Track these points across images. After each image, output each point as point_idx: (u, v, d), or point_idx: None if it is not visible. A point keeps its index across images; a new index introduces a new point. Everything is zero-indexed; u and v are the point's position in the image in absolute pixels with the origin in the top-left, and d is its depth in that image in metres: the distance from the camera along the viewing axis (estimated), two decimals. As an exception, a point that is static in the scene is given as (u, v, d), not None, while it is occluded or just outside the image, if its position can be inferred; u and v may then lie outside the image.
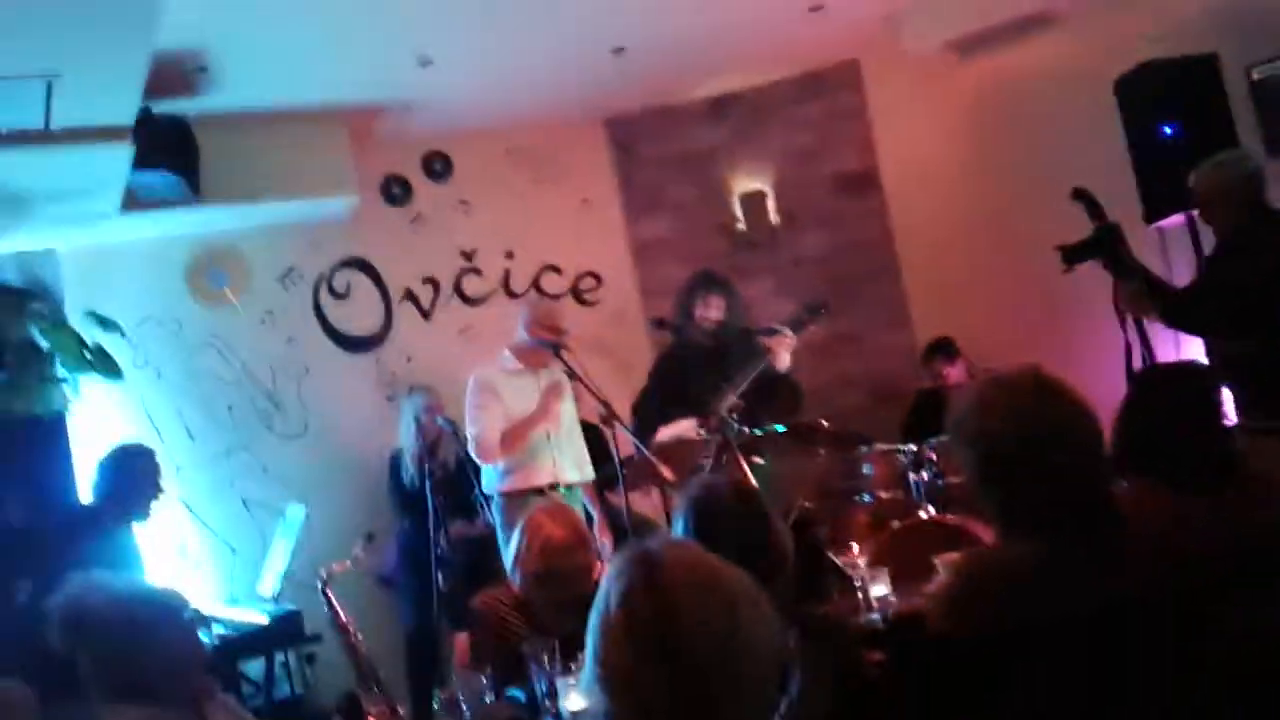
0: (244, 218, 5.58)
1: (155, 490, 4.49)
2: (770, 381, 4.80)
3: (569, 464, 4.73)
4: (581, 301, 6.42)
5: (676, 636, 1.26)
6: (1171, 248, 4.91)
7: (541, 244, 6.34)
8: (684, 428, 4.75)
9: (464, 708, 2.63)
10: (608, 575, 1.36)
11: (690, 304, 5.05)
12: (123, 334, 5.35)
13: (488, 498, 4.67)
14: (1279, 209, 3.89)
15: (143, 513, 4.46)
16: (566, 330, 4.76)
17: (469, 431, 4.65)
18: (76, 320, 5.27)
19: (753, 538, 2.18)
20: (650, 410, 4.94)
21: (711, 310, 4.98)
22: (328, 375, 5.88)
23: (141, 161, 4.57)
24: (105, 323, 5.32)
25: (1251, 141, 4.78)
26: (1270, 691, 1.79)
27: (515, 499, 4.56)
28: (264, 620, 4.54)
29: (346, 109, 5.48)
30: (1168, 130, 4.78)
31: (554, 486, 4.60)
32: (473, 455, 4.63)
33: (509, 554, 3.16)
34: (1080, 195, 3.98)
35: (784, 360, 4.82)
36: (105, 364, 5.18)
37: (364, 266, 6.04)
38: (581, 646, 2.77)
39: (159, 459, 4.55)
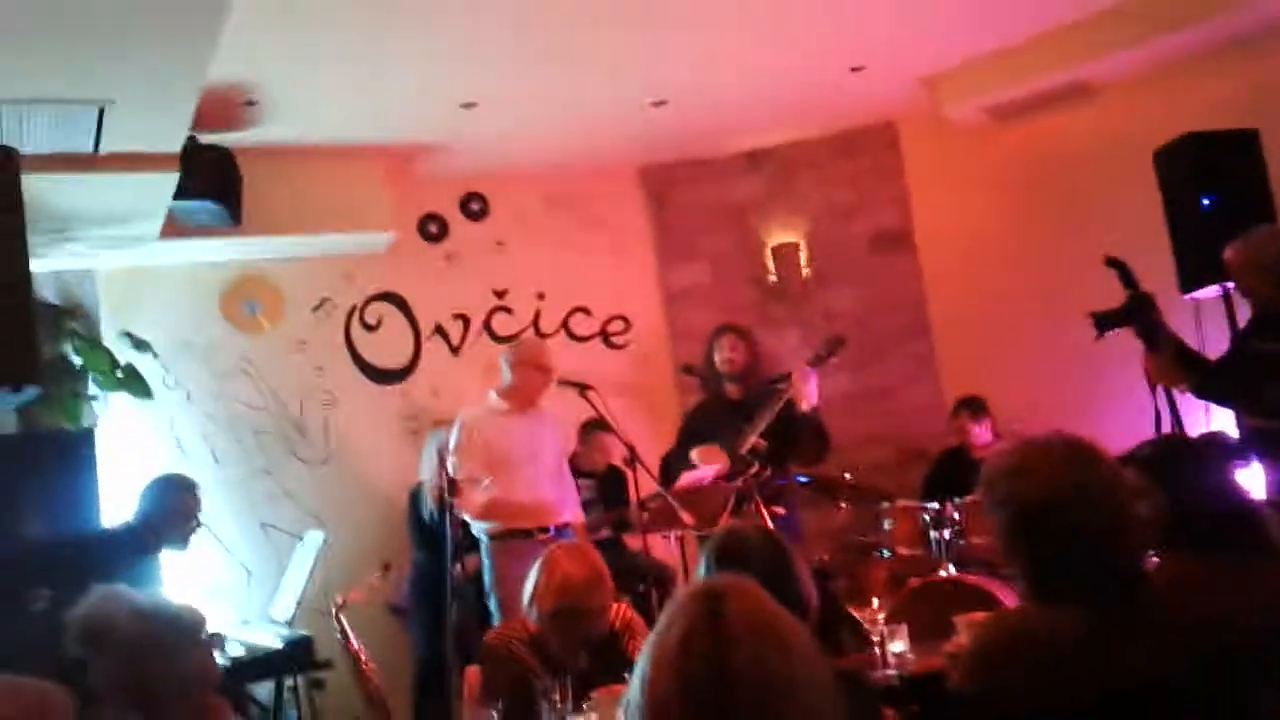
0: (281, 248, 5.67)
1: (196, 523, 4.49)
2: (794, 422, 4.77)
3: (559, 508, 4.75)
4: (610, 344, 6.44)
5: (731, 676, 1.24)
6: (1206, 319, 4.88)
7: (573, 286, 6.39)
8: (705, 473, 4.73)
9: (472, 741, 2.61)
10: (670, 605, 1.34)
11: (711, 352, 5.06)
12: (155, 355, 5.42)
13: (475, 540, 4.68)
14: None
15: (181, 543, 4.45)
16: (554, 369, 4.79)
17: (453, 475, 4.63)
18: (110, 340, 5.34)
19: (778, 584, 2.17)
20: (679, 460, 4.93)
21: (727, 352, 4.97)
22: (355, 405, 5.92)
23: (184, 189, 4.65)
24: (138, 343, 5.39)
25: (1289, 216, 4.77)
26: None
27: (501, 541, 4.58)
28: (276, 644, 4.53)
29: (388, 146, 5.57)
30: (1206, 202, 4.78)
31: (543, 529, 4.60)
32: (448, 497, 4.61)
33: (525, 591, 3.15)
34: (1113, 263, 3.97)
35: (806, 397, 4.76)
36: (136, 383, 5.25)
37: (396, 300, 6.10)
38: (593, 685, 2.79)
39: (200, 492, 4.56)
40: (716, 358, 5.01)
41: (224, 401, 5.69)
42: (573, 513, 4.80)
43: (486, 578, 4.67)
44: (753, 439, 4.69)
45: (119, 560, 4.07)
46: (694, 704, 1.24)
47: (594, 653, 3.03)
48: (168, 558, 4.50)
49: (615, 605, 3.15)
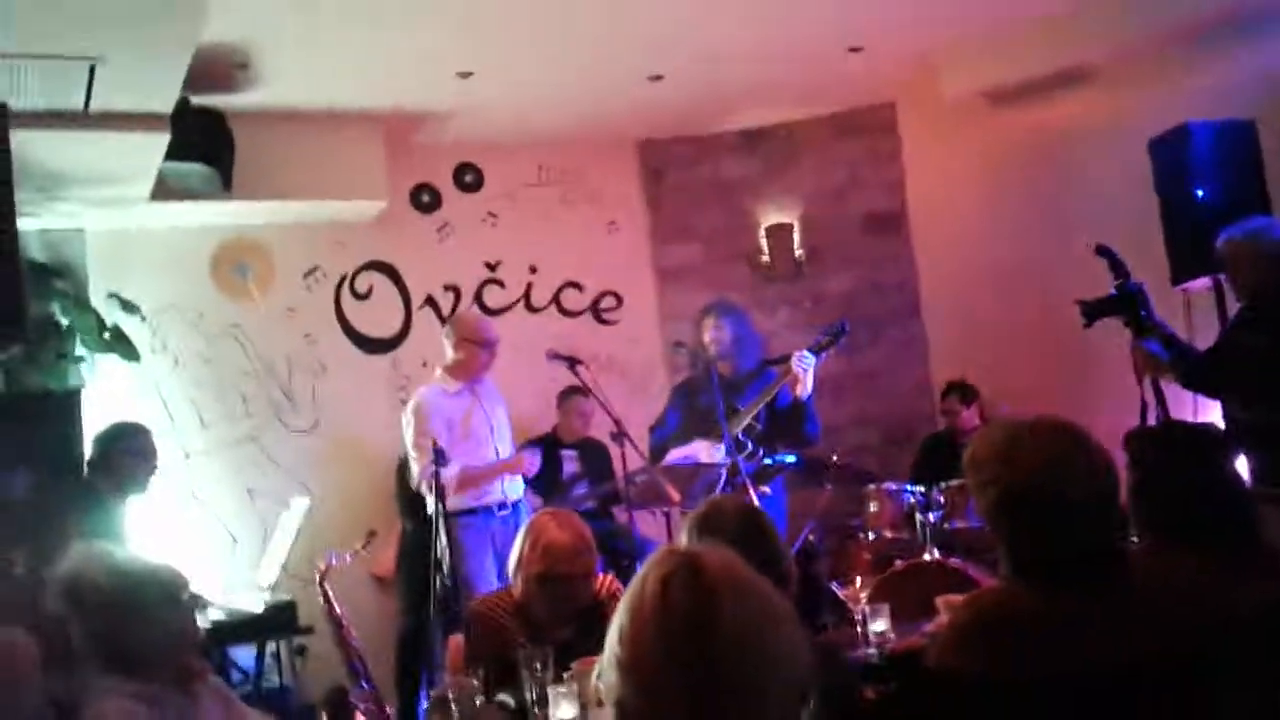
0: (273, 214, 5.63)
1: (150, 465, 4.52)
2: (788, 409, 4.78)
3: (517, 482, 4.82)
4: (601, 320, 6.43)
5: (711, 629, 1.23)
6: (1196, 310, 4.89)
7: (565, 261, 6.37)
8: (696, 448, 4.74)
9: (454, 708, 2.61)
10: (646, 563, 1.33)
11: (700, 330, 5.06)
12: (143, 318, 5.39)
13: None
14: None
15: (140, 486, 4.49)
16: (495, 340, 4.79)
17: (410, 453, 4.67)
18: (98, 301, 5.31)
19: (757, 556, 2.17)
20: (665, 434, 4.95)
21: (714, 333, 4.97)
22: (343, 374, 5.90)
23: (175, 151, 4.62)
24: (127, 305, 5.37)
25: (1283, 210, 4.77)
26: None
27: (466, 517, 4.61)
28: (259, 609, 4.54)
29: (383, 114, 5.53)
30: (1200, 193, 4.77)
31: (502, 506, 4.66)
32: (416, 480, 4.63)
33: (511, 558, 3.15)
34: (1103, 251, 3.97)
35: (804, 387, 4.79)
36: (123, 346, 5.23)
37: (388, 270, 6.08)
38: (575, 656, 2.79)
39: (153, 437, 4.58)
40: (704, 337, 5.01)
41: (212, 366, 5.67)
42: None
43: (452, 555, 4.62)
44: (746, 421, 4.70)
45: (81, 513, 4.10)
46: (673, 653, 1.23)
47: (579, 622, 3.03)
48: (143, 518, 4.52)
49: (602, 576, 3.15)
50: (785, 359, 4.89)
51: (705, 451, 4.74)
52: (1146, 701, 1.73)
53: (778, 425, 4.81)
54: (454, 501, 4.59)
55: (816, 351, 4.83)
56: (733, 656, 1.23)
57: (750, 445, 4.74)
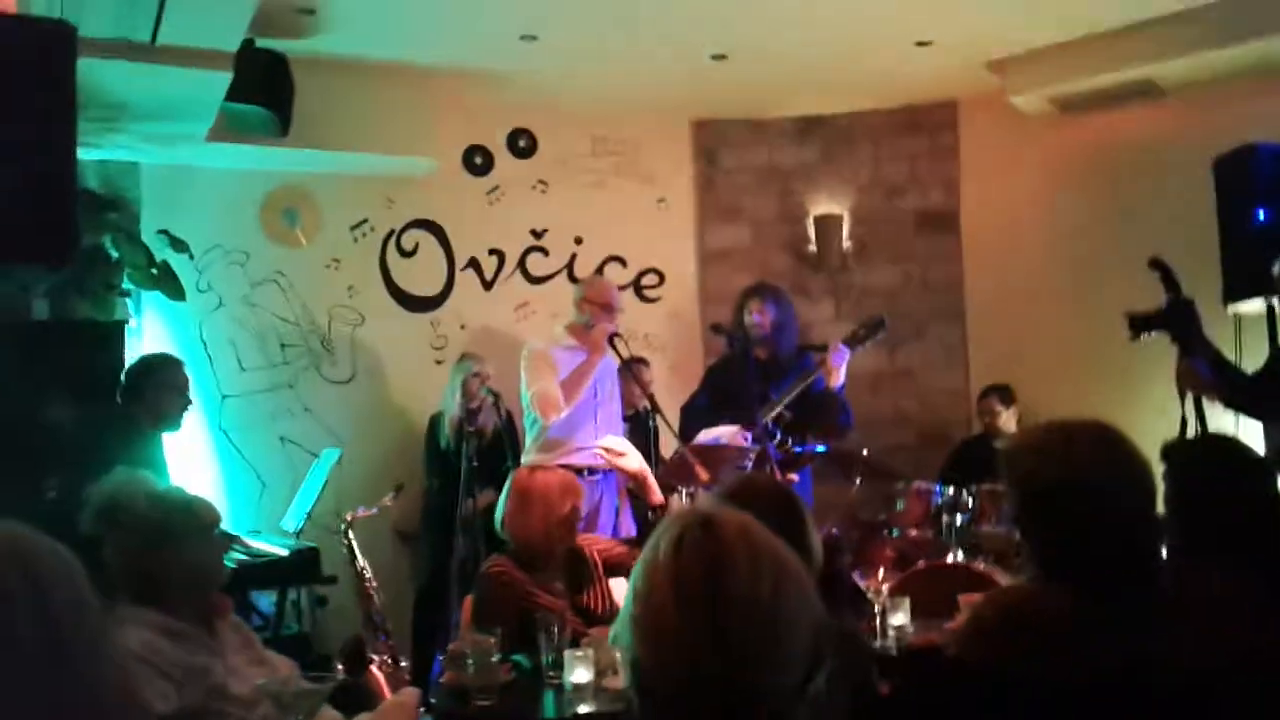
0: (326, 163, 5.65)
1: (184, 400, 4.53)
2: (820, 398, 4.76)
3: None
4: (642, 297, 6.42)
5: (725, 587, 1.23)
6: (1247, 331, 4.82)
7: (612, 234, 6.35)
8: (726, 431, 4.73)
9: (470, 664, 2.63)
10: (660, 526, 1.34)
11: (742, 311, 5.04)
12: (191, 256, 5.43)
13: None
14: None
15: (173, 421, 4.51)
16: (619, 309, 4.78)
17: (530, 391, 4.63)
18: (148, 237, 5.35)
19: (786, 533, 2.16)
20: (697, 413, 4.93)
21: (757, 316, 4.95)
22: (382, 329, 5.93)
23: (236, 92, 4.64)
24: (176, 243, 5.40)
25: (1344, 239, 4.68)
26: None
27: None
28: (283, 553, 4.58)
29: (443, 72, 5.53)
30: (1261, 215, 4.69)
31: (592, 470, 4.58)
32: (535, 413, 4.61)
33: (503, 514, 3.35)
34: (1157, 265, 3.92)
35: (838, 377, 4.77)
36: (170, 283, 5.26)
37: (434, 229, 6.09)
38: (593, 621, 2.82)
39: (185, 369, 4.60)
40: (746, 319, 4.99)
41: (254, 310, 5.71)
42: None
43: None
44: (778, 409, 4.69)
45: (117, 441, 4.13)
46: (685, 609, 1.23)
47: (567, 569, 3.29)
48: (177, 455, 4.55)
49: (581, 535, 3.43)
50: (823, 348, 4.87)
51: (730, 436, 4.72)
52: (1163, 715, 1.71)
53: (809, 414, 4.78)
54: (538, 457, 4.57)
55: (852, 344, 4.81)
56: (744, 613, 1.23)
57: (779, 434, 4.72)
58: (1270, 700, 1.83)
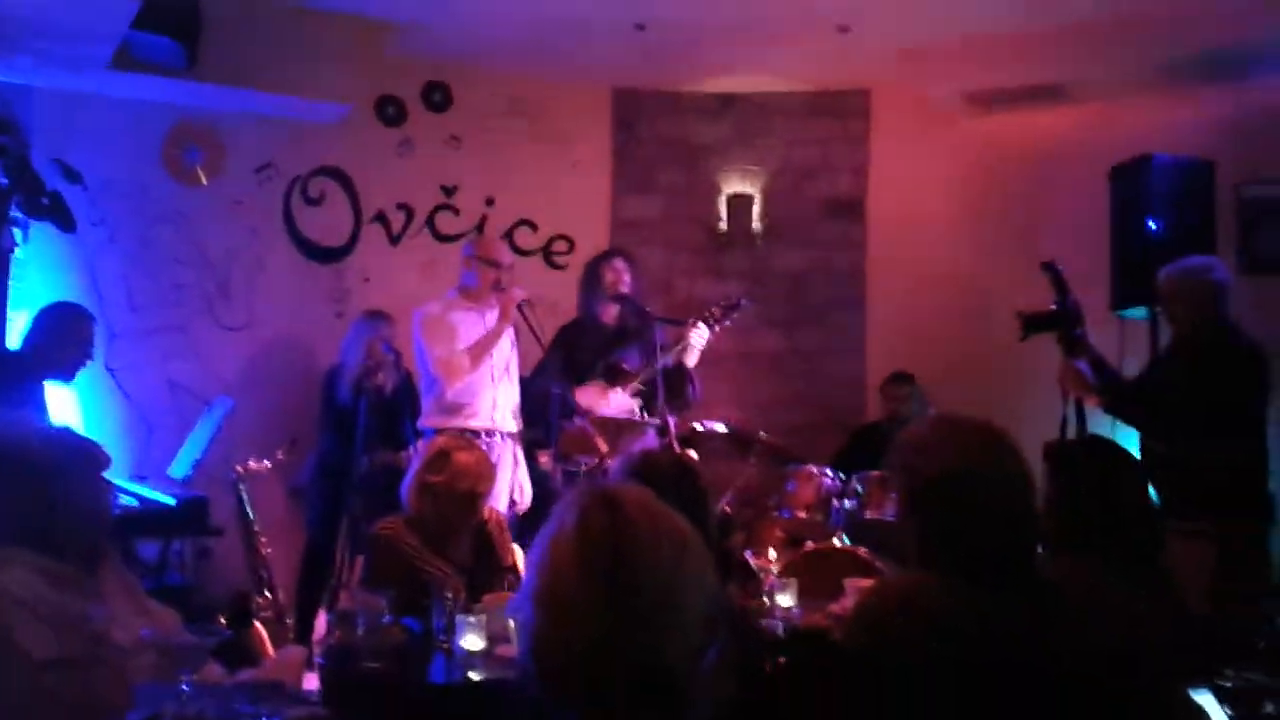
0: (233, 101, 5.46)
1: (85, 354, 4.42)
2: (672, 371, 4.77)
3: (507, 412, 4.72)
4: (551, 263, 6.39)
5: (628, 556, 1.27)
6: (1130, 339, 5.01)
7: (524, 198, 6.30)
8: (621, 404, 4.73)
9: (359, 623, 2.61)
10: (562, 502, 1.36)
11: (599, 268, 5.02)
12: (84, 188, 5.22)
13: (420, 432, 4.65)
14: (1236, 324, 3.97)
15: (67, 374, 4.39)
16: (507, 264, 4.75)
17: (431, 355, 4.59)
18: (41, 164, 5.13)
19: (687, 509, 2.19)
20: (549, 377, 4.88)
21: (612, 274, 4.96)
22: (282, 277, 5.78)
23: (143, 20, 4.47)
24: (69, 173, 5.18)
25: (1227, 254, 4.90)
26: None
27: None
28: (170, 502, 4.47)
29: (362, 18, 5.39)
30: (1152, 225, 4.87)
31: (490, 433, 4.58)
32: (438, 377, 4.58)
33: (411, 478, 3.31)
34: (1048, 268, 4.04)
35: (693, 355, 4.82)
36: (61, 214, 5.04)
37: (342, 178, 5.96)
38: (475, 578, 2.84)
39: (96, 325, 4.48)
40: (607, 276, 4.97)
41: (148, 248, 5.52)
42: (517, 422, 4.79)
43: None
44: (637, 381, 4.72)
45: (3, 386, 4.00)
46: (587, 578, 1.27)
47: (474, 541, 3.29)
48: (58, 396, 4.41)
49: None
50: (679, 322, 4.90)
51: (598, 399, 4.73)
52: (1041, 702, 1.79)
53: (662, 385, 4.82)
54: (436, 419, 4.54)
55: (710, 323, 4.85)
56: (645, 581, 1.27)
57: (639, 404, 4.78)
58: (1139, 685, 1.93)
